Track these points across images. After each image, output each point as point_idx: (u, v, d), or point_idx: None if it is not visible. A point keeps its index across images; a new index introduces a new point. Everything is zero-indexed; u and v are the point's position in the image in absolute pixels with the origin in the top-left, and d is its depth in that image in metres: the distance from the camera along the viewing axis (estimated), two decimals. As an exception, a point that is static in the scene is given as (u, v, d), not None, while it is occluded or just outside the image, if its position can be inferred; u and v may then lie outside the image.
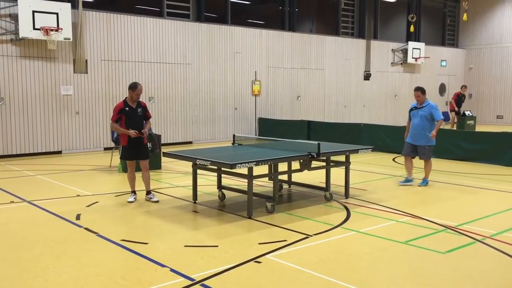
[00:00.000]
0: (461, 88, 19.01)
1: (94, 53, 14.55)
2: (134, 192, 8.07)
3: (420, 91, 9.14)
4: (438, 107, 9.26)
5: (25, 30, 12.86)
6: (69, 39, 13.58)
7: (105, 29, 14.72)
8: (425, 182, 9.19)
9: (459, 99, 18.53)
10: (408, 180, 9.32)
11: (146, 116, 7.99)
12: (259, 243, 5.79)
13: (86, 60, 14.39)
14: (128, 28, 15.18)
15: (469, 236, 6.10)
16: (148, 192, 8.00)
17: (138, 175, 8.13)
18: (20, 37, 12.90)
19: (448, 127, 17.80)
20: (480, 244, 5.84)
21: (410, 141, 9.19)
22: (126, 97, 7.89)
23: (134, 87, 7.74)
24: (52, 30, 13.06)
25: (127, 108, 7.72)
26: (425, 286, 4.62)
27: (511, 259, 5.36)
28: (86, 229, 6.46)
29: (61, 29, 13.21)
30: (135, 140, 7.80)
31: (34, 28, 12.93)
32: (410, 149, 9.23)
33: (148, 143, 10.91)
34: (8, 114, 13.30)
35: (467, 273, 4.98)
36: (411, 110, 9.31)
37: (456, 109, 18.59)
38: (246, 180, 7.00)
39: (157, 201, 7.86)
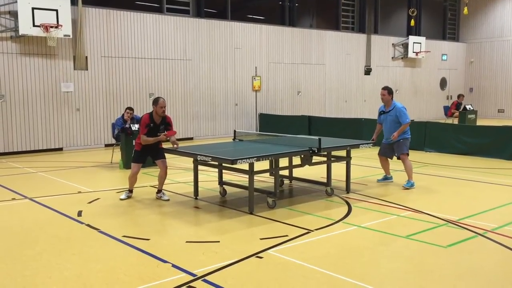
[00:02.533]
0: (458, 97, 19.07)
1: (94, 49, 14.53)
2: (130, 190, 8.05)
3: (387, 90, 8.74)
4: (406, 109, 8.73)
5: (25, 27, 12.84)
6: (69, 35, 13.55)
7: (105, 25, 14.70)
8: (409, 183, 8.60)
9: (457, 107, 18.67)
10: (386, 178, 9.13)
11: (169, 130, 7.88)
12: (261, 239, 5.80)
13: (86, 57, 14.37)
14: (128, 24, 15.15)
15: (471, 230, 6.10)
16: (159, 191, 7.97)
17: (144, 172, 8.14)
18: (20, 34, 12.88)
19: (449, 121, 17.78)
20: (482, 238, 5.84)
21: (386, 141, 8.88)
22: (152, 111, 7.78)
23: (156, 102, 7.69)
24: (52, 26, 13.04)
25: (151, 124, 7.67)
26: (426, 280, 4.62)
27: (512, 252, 5.37)
28: (88, 225, 6.47)
29: (61, 25, 13.19)
30: (150, 146, 7.76)
31: (34, 25, 12.90)
32: (385, 149, 8.93)
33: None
34: (8, 112, 13.30)
35: (469, 267, 4.98)
36: (380, 113, 8.98)
37: (456, 111, 18.65)
38: (247, 176, 7.00)
39: (167, 200, 7.82)
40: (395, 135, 8.57)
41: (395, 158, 9.01)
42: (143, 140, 7.67)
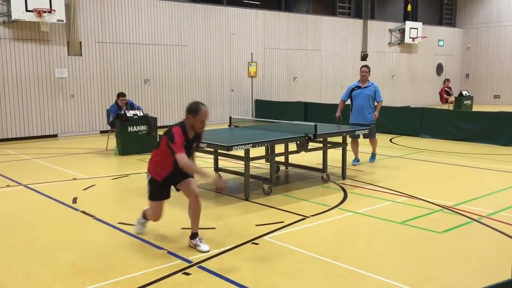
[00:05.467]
0: (444, 82, 19.14)
1: (88, 35, 14.38)
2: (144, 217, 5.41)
3: (369, 68, 9.43)
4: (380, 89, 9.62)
5: (18, 12, 12.68)
6: (63, 21, 13.40)
7: (99, 10, 14.53)
8: (374, 156, 9.66)
9: (447, 93, 18.71)
10: (357, 160, 9.47)
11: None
12: (256, 225, 5.80)
13: (80, 42, 14.24)
14: (122, 9, 14.99)
15: (466, 216, 6.12)
16: (194, 236, 5.10)
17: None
18: (12, 19, 12.73)
19: (446, 107, 17.79)
20: (477, 224, 5.85)
21: (356, 121, 9.22)
22: (183, 123, 4.89)
23: (195, 111, 4.81)
24: (45, 11, 12.88)
25: (185, 143, 4.82)
26: (422, 266, 4.64)
27: (507, 238, 5.38)
28: (83, 212, 6.45)
29: (54, 10, 13.03)
30: (176, 173, 4.97)
31: (26, 10, 12.75)
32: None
33: (144, 126, 10.92)
34: (2, 98, 13.19)
35: (464, 252, 5.00)
36: (353, 89, 9.42)
37: (449, 96, 18.66)
38: (243, 162, 6.98)
39: (207, 251, 4.95)
40: (377, 115, 9.23)
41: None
42: (184, 164, 4.70)
